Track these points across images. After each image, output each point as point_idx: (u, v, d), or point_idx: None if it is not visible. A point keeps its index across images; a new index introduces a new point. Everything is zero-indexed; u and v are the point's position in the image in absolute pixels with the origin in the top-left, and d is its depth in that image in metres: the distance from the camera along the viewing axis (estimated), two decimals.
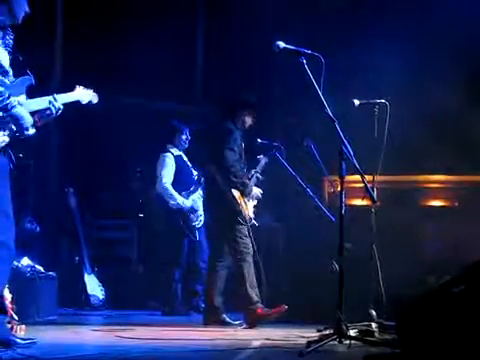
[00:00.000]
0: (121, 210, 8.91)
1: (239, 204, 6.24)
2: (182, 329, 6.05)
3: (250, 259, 6.22)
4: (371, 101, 5.71)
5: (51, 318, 6.69)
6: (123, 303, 7.96)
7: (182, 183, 7.49)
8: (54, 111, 4.55)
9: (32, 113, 4.48)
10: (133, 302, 8.00)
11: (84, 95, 4.87)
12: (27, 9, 4.51)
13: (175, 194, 7.40)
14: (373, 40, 7.32)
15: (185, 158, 7.67)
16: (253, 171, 6.60)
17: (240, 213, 6.22)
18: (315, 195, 6.48)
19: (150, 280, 8.19)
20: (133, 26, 8.81)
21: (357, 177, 4.79)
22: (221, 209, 6.27)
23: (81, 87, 4.87)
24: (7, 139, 4.35)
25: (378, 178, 5.64)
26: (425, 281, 6.20)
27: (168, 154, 7.53)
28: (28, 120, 4.38)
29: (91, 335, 5.86)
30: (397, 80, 7.12)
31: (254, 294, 6.15)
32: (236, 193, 6.25)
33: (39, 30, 8.13)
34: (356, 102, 5.72)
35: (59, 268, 7.47)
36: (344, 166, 4.73)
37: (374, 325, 5.22)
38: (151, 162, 7.66)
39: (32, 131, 4.44)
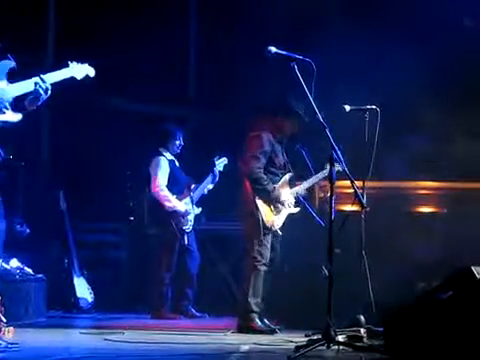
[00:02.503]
0: (111, 213, 8.89)
1: (259, 211, 6.07)
2: (171, 333, 6.04)
3: (262, 269, 6.09)
4: (362, 107, 5.73)
5: (40, 320, 6.68)
6: (112, 306, 7.94)
7: (174, 188, 7.48)
8: (42, 92, 4.32)
9: (20, 98, 4.31)
10: (122, 305, 7.98)
11: (78, 70, 4.62)
12: None
13: (170, 196, 7.38)
14: (362, 46, 7.37)
15: (177, 163, 7.65)
16: (312, 177, 6.32)
17: (260, 221, 6.06)
18: (305, 200, 6.48)
19: (139, 283, 8.17)
20: (124, 27, 8.79)
21: (347, 182, 4.81)
22: (243, 214, 6.19)
23: (74, 62, 4.61)
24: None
25: (368, 184, 5.66)
26: (414, 287, 6.22)
27: (162, 157, 7.50)
28: None
29: (79, 338, 5.85)
30: (385, 86, 7.17)
31: (254, 304, 6.06)
32: (259, 200, 6.10)
33: (31, 35, 8.15)
34: (347, 108, 5.74)
35: (48, 270, 7.45)
36: (334, 171, 4.74)
37: (362, 330, 5.23)
38: (142, 165, 7.65)
39: (16, 117, 4.30)
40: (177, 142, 7.57)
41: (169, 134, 7.57)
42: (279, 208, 6.22)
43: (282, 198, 6.20)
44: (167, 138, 7.57)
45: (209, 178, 7.69)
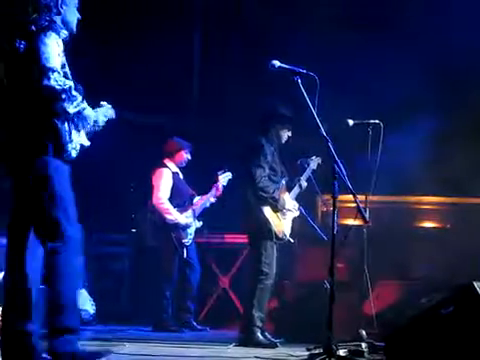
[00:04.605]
0: (114, 225, 8.88)
1: (270, 222, 6.10)
2: (172, 346, 6.03)
3: (268, 282, 6.10)
4: (365, 121, 5.74)
5: (40, 332, 6.65)
6: (113, 318, 7.92)
7: (176, 200, 7.48)
8: (101, 124, 4.62)
9: None
10: (124, 317, 7.97)
11: (110, 111, 4.82)
12: (79, 16, 4.49)
13: (171, 209, 7.39)
14: (369, 61, 7.39)
15: (181, 176, 7.66)
16: (296, 179, 6.44)
17: (270, 231, 6.09)
18: (308, 214, 6.50)
19: (141, 295, 8.16)
20: (128, 39, 8.83)
21: (350, 197, 4.80)
22: (250, 227, 6.21)
23: (105, 102, 4.80)
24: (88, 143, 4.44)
25: (371, 198, 5.66)
26: (416, 302, 6.20)
27: (165, 169, 7.52)
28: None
29: None
30: (391, 101, 7.18)
31: (257, 318, 6.05)
32: (267, 211, 6.13)
33: None
34: (350, 122, 5.75)
35: None
36: (337, 186, 4.74)
37: (364, 345, 5.21)
38: (145, 176, 7.65)
39: (87, 143, 4.53)
40: (186, 156, 7.59)
41: (178, 147, 7.58)
42: (285, 215, 6.29)
43: (287, 205, 6.26)
44: (175, 151, 7.58)
45: (212, 192, 7.69)
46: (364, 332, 5.35)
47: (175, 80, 9.05)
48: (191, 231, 7.51)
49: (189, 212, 7.53)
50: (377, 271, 5.83)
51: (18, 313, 4.30)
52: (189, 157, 7.63)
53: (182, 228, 7.42)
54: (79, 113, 4.32)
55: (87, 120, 4.41)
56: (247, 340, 6.02)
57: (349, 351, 4.96)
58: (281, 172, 6.35)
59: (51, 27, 4.28)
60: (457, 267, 6.54)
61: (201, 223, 7.68)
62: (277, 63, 4.81)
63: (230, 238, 8.11)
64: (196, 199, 7.63)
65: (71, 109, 4.24)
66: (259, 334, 6.05)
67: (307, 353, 4.99)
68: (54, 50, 4.20)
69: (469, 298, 3.95)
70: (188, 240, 7.47)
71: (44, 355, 4.42)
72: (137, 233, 8.63)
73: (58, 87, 4.15)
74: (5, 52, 4.31)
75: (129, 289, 8.66)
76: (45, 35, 4.22)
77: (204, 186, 7.79)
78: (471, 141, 7.40)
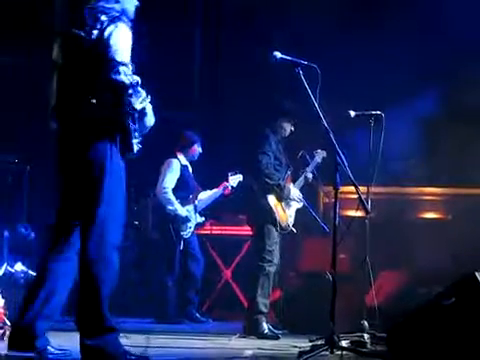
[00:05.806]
0: None
1: (274, 212, 6.19)
2: (175, 337, 6.04)
3: (271, 269, 6.15)
4: (366, 112, 5.72)
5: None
6: (116, 310, 7.91)
7: (181, 192, 7.50)
8: None
9: None
10: (126, 309, 7.98)
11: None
12: (137, 3, 4.35)
13: (173, 200, 7.40)
14: (366, 51, 7.39)
15: (190, 169, 7.68)
16: (301, 171, 6.53)
17: (274, 221, 6.17)
18: (310, 205, 6.52)
19: (143, 287, 8.17)
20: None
21: (352, 188, 4.80)
22: (255, 214, 6.27)
23: None
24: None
25: (373, 189, 5.66)
26: (417, 293, 6.22)
27: (175, 160, 7.55)
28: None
29: None
30: (391, 91, 7.17)
31: (262, 304, 6.10)
32: (272, 200, 6.20)
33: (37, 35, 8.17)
34: (352, 113, 5.74)
35: None
36: (338, 177, 4.74)
37: (366, 336, 5.23)
38: (147, 170, 7.66)
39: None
40: (198, 149, 7.62)
41: (191, 141, 7.61)
42: (289, 205, 6.36)
43: (292, 194, 6.32)
44: (187, 144, 7.60)
45: (219, 191, 7.68)
46: (366, 323, 5.36)
47: (176, 70, 9.05)
48: (191, 225, 7.51)
49: (191, 206, 7.54)
50: (379, 262, 5.83)
51: (31, 309, 4.30)
52: (200, 150, 7.66)
53: (182, 221, 7.42)
54: (144, 109, 4.24)
55: (149, 118, 4.34)
56: (252, 329, 6.06)
57: (351, 342, 4.98)
58: (286, 163, 6.40)
59: (120, 18, 4.14)
60: (459, 258, 6.54)
61: (203, 219, 7.68)
62: (278, 54, 4.81)
63: (233, 230, 8.12)
64: (201, 195, 7.64)
65: (137, 105, 4.15)
66: (264, 324, 6.08)
67: (310, 344, 5.00)
68: (125, 43, 4.09)
69: (471, 289, 3.96)
70: (187, 233, 7.47)
71: (49, 346, 4.44)
72: (140, 225, 8.65)
73: (127, 81, 4.04)
74: (67, 36, 4.14)
75: (131, 281, 8.67)
76: (116, 26, 4.08)
77: (204, 179, 7.79)
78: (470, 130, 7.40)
